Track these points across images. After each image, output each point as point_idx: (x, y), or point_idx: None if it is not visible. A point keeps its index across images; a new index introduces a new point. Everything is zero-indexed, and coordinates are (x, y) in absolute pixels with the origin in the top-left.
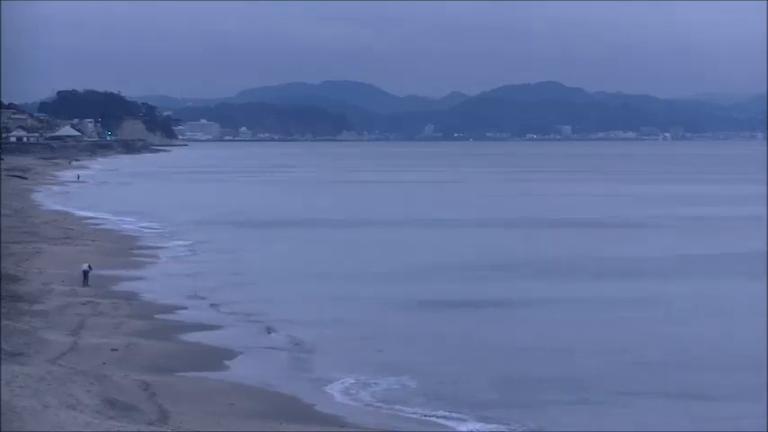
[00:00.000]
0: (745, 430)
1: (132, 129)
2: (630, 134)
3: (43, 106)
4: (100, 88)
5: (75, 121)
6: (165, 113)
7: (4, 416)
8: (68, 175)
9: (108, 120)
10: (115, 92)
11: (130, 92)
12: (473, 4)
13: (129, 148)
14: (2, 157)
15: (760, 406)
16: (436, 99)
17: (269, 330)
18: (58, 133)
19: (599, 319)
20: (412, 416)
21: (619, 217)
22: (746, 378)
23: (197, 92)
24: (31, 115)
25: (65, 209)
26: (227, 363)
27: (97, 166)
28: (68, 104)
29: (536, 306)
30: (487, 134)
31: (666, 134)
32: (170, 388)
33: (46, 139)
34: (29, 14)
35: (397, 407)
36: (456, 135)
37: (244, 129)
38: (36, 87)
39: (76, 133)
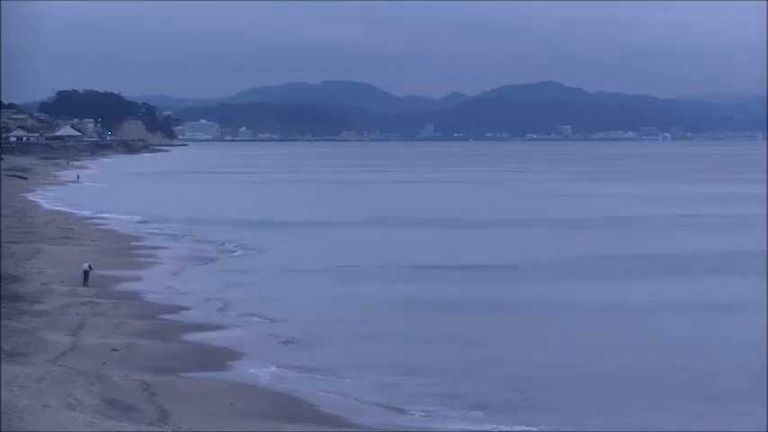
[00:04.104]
0: (745, 430)
1: (132, 129)
2: (630, 134)
3: (43, 106)
4: (100, 88)
5: (76, 121)
6: (165, 113)
7: (4, 416)
8: (68, 174)
9: (108, 120)
10: (115, 92)
11: (130, 92)
12: (473, 4)
13: (129, 148)
14: (2, 157)
15: (760, 406)
16: (436, 99)
17: (261, 327)
18: (58, 133)
19: (598, 319)
20: (412, 416)
21: (619, 217)
22: (746, 378)
23: (197, 92)
24: (31, 115)
25: (65, 209)
26: (227, 363)
27: (97, 166)
28: (68, 104)
29: (537, 306)
30: (487, 134)
31: (666, 134)
32: (170, 388)
33: (46, 139)
34: (29, 14)
35: (397, 406)
36: (456, 135)
37: (244, 129)
38: (36, 87)
39: (76, 133)
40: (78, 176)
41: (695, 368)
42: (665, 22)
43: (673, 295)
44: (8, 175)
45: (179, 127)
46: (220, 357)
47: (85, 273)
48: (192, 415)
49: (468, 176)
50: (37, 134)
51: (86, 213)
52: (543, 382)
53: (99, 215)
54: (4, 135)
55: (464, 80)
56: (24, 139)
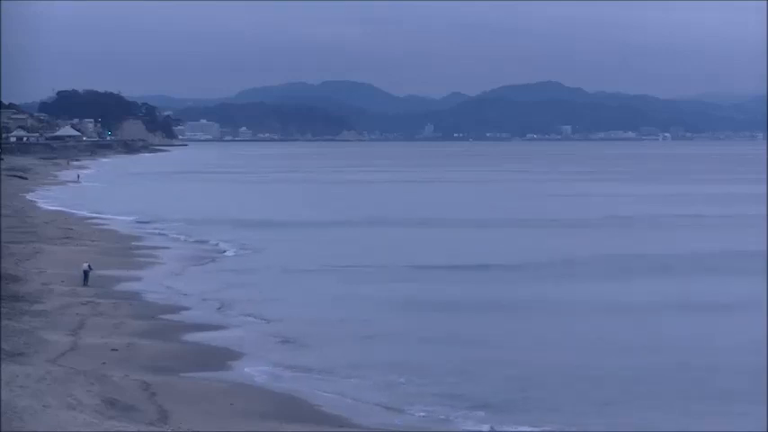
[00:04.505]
0: (745, 430)
1: (132, 129)
2: (630, 134)
3: (43, 106)
4: (100, 88)
5: (76, 121)
6: (165, 113)
7: (4, 416)
8: (68, 174)
9: (108, 120)
10: (115, 92)
11: (130, 92)
12: (473, 4)
13: (129, 148)
14: (2, 157)
15: (760, 406)
16: (436, 99)
17: (261, 327)
18: (58, 133)
19: (598, 319)
20: (412, 416)
21: (619, 217)
22: (746, 378)
23: (197, 92)
24: (31, 115)
25: (65, 209)
26: (227, 363)
27: (97, 166)
28: (68, 104)
29: (537, 306)
30: (487, 134)
31: (666, 134)
32: (170, 388)
33: (46, 139)
34: (29, 14)
35: (397, 406)
36: (456, 135)
37: (244, 129)
38: (36, 87)
39: (76, 133)
40: (78, 176)
41: (695, 368)
42: (665, 22)
43: (673, 295)
44: (8, 175)
45: (179, 127)
46: (220, 357)
47: (85, 273)
48: (192, 415)
49: (468, 176)
50: (37, 134)
51: (86, 213)
52: (543, 383)
53: (99, 215)
54: (4, 135)
55: (464, 80)
56: (24, 139)
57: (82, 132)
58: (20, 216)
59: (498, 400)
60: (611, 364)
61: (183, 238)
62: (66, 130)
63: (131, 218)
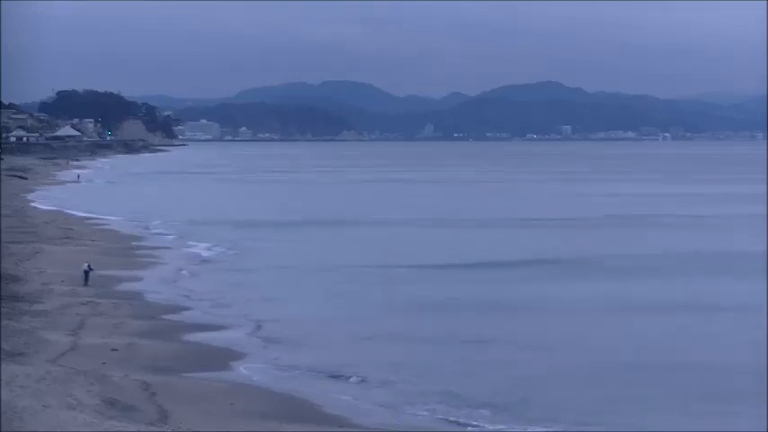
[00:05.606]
0: (745, 430)
1: (132, 129)
2: (630, 134)
3: (43, 106)
4: (100, 88)
5: (76, 121)
6: (165, 113)
7: (4, 416)
8: (68, 174)
9: (108, 120)
10: (115, 92)
11: (130, 92)
12: (473, 4)
13: (129, 148)
14: (2, 157)
15: (760, 406)
16: (436, 99)
17: (261, 327)
18: (58, 133)
19: (599, 319)
20: (413, 416)
21: (618, 216)
22: (746, 378)
23: (197, 92)
24: (31, 115)
25: (64, 209)
26: (227, 363)
27: (97, 166)
28: (68, 104)
29: (538, 306)
30: (487, 134)
31: (666, 134)
32: (170, 388)
33: (46, 139)
34: (29, 14)
35: (398, 407)
36: (456, 135)
37: (244, 129)
38: (36, 87)
39: (76, 133)
40: (78, 176)
41: (695, 368)
42: (665, 22)
43: (673, 295)
44: (8, 175)
45: (179, 127)
46: (221, 357)
47: (86, 273)
48: (192, 415)
49: (468, 176)
50: (37, 134)
51: (86, 213)
52: (543, 382)
53: (99, 215)
54: (4, 135)
55: (464, 80)
56: (24, 139)
57: (82, 132)
58: (20, 216)
59: (498, 400)
60: (612, 364)
61: (183, 238)
62: (66, 130)
63: (131, 218)
